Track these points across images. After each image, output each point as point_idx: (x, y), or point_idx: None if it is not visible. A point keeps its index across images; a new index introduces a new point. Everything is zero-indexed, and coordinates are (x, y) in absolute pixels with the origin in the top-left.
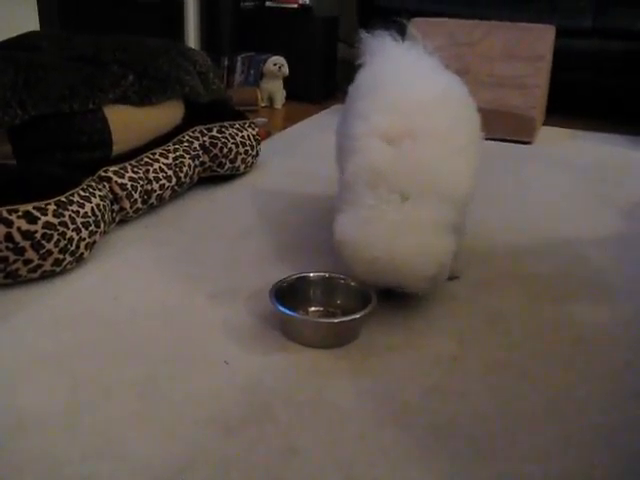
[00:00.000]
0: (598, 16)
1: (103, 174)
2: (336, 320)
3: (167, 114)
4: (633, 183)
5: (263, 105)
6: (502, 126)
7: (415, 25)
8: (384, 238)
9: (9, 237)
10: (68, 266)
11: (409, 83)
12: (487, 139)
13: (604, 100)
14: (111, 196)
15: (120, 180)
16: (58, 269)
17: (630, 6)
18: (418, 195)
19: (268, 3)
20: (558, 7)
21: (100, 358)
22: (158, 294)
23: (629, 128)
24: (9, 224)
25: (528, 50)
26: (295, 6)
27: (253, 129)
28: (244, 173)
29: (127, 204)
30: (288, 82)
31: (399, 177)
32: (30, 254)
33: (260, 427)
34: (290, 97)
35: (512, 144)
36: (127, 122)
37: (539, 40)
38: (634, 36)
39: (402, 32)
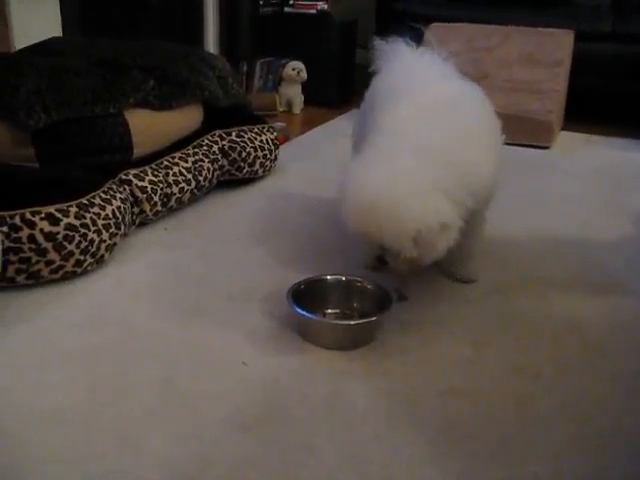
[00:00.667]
0: (617, 20)
1: (124, 177)
2: (352, 322)
3: (187, 118)
4: None
5: (281, 110)
6: (520, 131)
7: (433, 30)
8: (378, 183)
9: (32, 238)
10: (89, 267)
11: (425, 89)
12: (505, 144)
13: (623, 105)
14: (131, 199)
15: (140, 183)
16: (79, 270)
17: None
18: (430, 159)
19: (287, 9)
20: (577, 11)
21: (119, 358)
22: (177, 295)
23: None
24: (32, 226)
25: (546, 55)
26: (314, 12)
27: (272, 133)
28: (262, 177)
29: (147, 207)
30: (306, 87)
31: (419, 135)
32: (52, 255)
33: (276, 426)
34: (308, 102)
35: (530, 149)
36: (147, 126)
37: (558, 45)
38: None
39: (419, 37)
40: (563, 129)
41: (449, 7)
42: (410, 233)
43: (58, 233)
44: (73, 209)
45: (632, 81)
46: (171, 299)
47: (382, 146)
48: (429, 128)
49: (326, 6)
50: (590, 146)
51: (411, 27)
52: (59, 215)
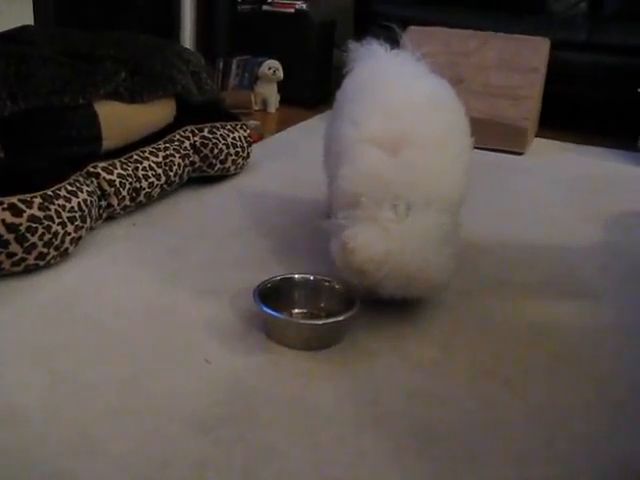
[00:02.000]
0: (593, 30)
1: (92, 170)
2: (319, 322)
3: (158, 112)
4: (621, 195)
5: (257, 109)
6: (494, 136)
7: (410, 33)
8: (401, 251)
9: None
10: (52, 261)
11: (395, 87)
12: (479, 148)
13: (596, 114)
14: (99, 192)
15: (108, 176)
16: (42, 263)
17: (624, 21)
18: (422, 204)
19: (265, 7)
20: (553, 20)
21: (81, 355)
22: (142, 292)
23: (619, 142)
24: None
25: (523, 62)
26: (292, 11)
27: (245, 130)
28: (234, 175)
29: (115, 201)
30: (282, 86)
31: (402, 186)
32: (14, 247)
33: (239, 427)
34: (284, 101)
35: (504, 154)
36: (118, 118)
37: (534, 52)
38: (628, 51)
39: (395, 39)
40: (537, 136)
41: (427, 11)
42: (443, 285)
43: (20, 225)
44: (37, 200)
45: (606, 90)
46: (136, 295)
47: (372, 206)
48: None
49: (305, 6)
50: (563, 153)
51: (386, 27)
52: (22, 206)
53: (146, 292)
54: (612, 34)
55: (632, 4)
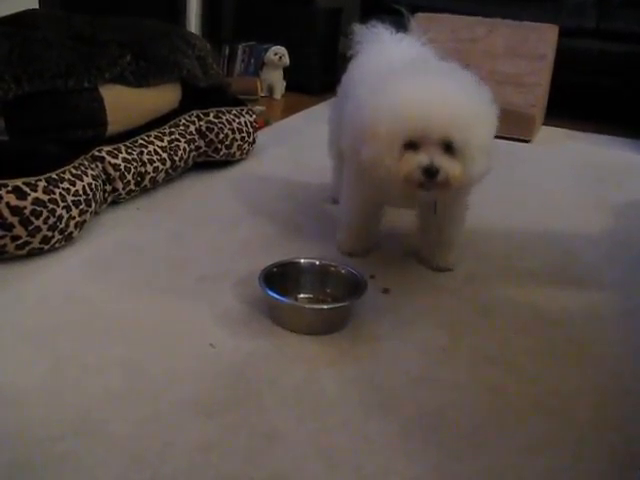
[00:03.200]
0: (602, 17)
1: (97, 153)
2: (325, 307)
3: (164, 96)
4: (628, 184)
5: (263, 95)
6: (501, 124)
7: (418, 19)
8: (444, 82)
9: None
10: (57, 244)
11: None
12: None
13: (605, 102)
14: (104, 176)
15: (113, 160)
16: (46, 247)
17: (633, 8)
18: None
19: None
20: (562, 7)
21: (84, 337)
22: (146, 276)
23: (627, 131)
24: None
25: (530, 49)
26: None
27: (251, 116)
28: (239, 160)
29: (120, 185)
30: (288, 73)
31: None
32: (18, 230)
33: (243, 411)
34: (290, 88)
35: (511, 142)
36: (123, 102)
37: (542, 39)
38: (636, 38)
39: (402, 24)
40: (545, 124)
41: None
42: (486, 128)
43: (25, 208)
44: (42, 183)
45: (614, 78)
46: (140, 279)
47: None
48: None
49: None
50: (571, 141)
51: (393, 10)
52: (26, 189)
53: (150, 276)
54: (621, 21)
55: None
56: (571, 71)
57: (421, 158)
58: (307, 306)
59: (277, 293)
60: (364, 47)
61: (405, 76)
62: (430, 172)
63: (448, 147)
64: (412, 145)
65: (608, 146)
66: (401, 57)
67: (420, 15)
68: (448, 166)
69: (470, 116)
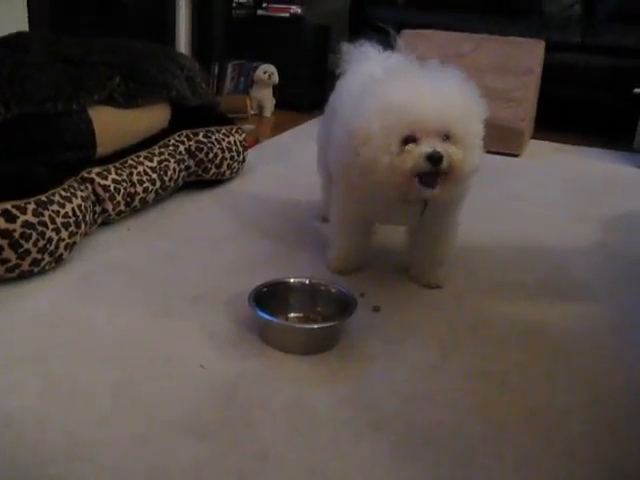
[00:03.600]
0: (587, 32)
1: (86, 175)
2: (315, 326)
3: (153, 117)
4: (616, 196)
5: (252, 113)
6: (491, 138)
7: (405, 36)
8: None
9: None
10: (47, 266)
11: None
12: None
13: (592, 115)
14: (93, 197)
15: (103, 182)
16: (36, 269)
17: (618, 23)
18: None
19: (260, 11)
20: (548, 22)
21: (75, 360)
22: (136, 297)
23: (614, 143)
24: None
25: (518, 63)
26: (287, 15)
27: (240, 135)
28: (230, 179)
29: (110, 206)
30: (278, 91)
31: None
32: (8, 253)
33: (234, 432)
34: (279, 106)
35: (500, 156)
36: (112, 124)
37: (529, 54)
38: (622, 52)
39: (389, 41)
40: (533, 137)
41: (422, 14)
42: (478, 117)
43: (14, 230)
44: (31, 206)
45: (601, 91)
46: (131, 300)
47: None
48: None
49: (300, 10)
50: (559, 154)
51: (380, 28)
52: (16, 212)
53: (140, 297)
54: (606, 36)
55: (625, 6)
56: (558, 85)
57: (423, 147)
58: (297, 326)
59: (267, 313)
60: (351, 66)
61: (393, 77)
62: (434, 158)
63: (446, 138)
64: (410, 140)
65: (596, 158)
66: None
67: (407, 32)
68: (451, 152)
69: (464, 106)
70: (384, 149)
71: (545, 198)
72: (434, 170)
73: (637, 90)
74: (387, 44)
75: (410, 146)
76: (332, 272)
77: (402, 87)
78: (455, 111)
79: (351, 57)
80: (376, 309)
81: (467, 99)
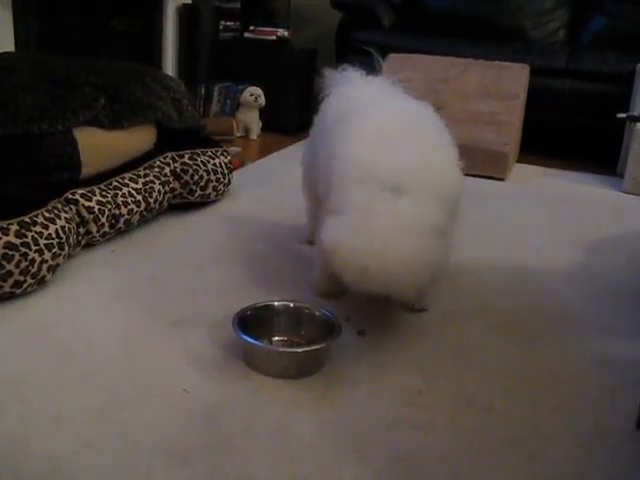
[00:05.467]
0: (571, 57)
1: (70, 196)
2: (299, 350)
3: (138, 139)
4: (600, 219)
5: (239, 135)
6: (475, 162)
7: (391, 60)
8: (377, 245)
9: None
10: (29, 288)
11: (373, 110)
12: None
13: (576, 139)
14: (77, 219)
15: (87, 203)
16: (18, 291)
17: (602, 48)
18: (412, 190)
19: (247, 34)
20: (532, 47)
21: (55, 385)
22: (120, 320)
23: (598, 167)
24: None
25: (503, 88)
26: (273, 38)
27: (225, 157)
28: (215, 201)
29: (94, 228)
30: (264, 113)
31: (391, 170)
32: None
33: (218, 457)
34: (266, 128)
35: (485, 180)
36: (97, 145)
37: (514, 78)
38: (605, 77)
39: (375, 67)
40: (518, 161)
41: (408, 38)
42: (422, 285)
43: None
44: (14, 227)
45: (585, 116)
46: (114, 323)
47: (356, 191)
48: (394, 151)
49: (286, 33)
50: (544, 178)
51: (365, 52)
52: None
53: (124, 320)
54: (590, 61)
55: (609, 32)
56: (543, 109)
57: None
58: (281, 350)
59: (251, 337)
60: (335, 90)
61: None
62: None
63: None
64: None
65: (581, 182)
66: (371, 99)
67: (393, 56)
68: None
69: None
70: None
71: (530, 222)
72: None
73: (620, 115)
74: (372, 68)
75: None
76: (317, 295)
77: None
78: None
79: (334, 81)
80: (361, 333)
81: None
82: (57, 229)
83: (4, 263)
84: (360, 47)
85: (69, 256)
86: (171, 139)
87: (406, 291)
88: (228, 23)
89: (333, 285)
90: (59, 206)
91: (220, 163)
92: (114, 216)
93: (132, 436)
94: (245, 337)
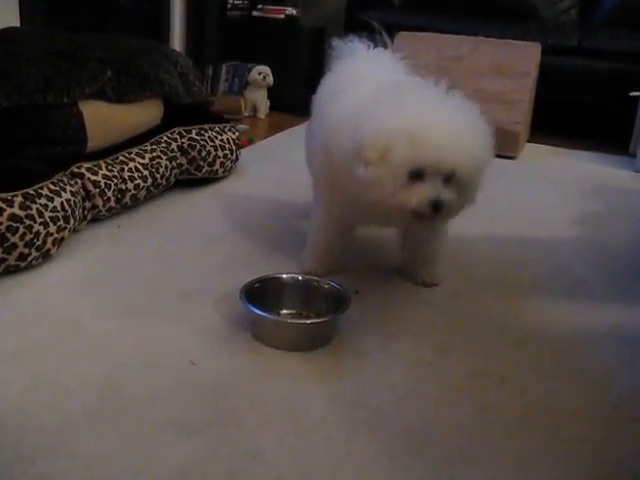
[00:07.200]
0: (583, 35)
1: (76, 170)
2: (308, 321)
3: (145, 113)
4: (612, 198)
5: (247, 114)
6: None
7: (402, 38)
8: (451, 124)
9: None
10: (34, 262)
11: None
12: None
13: (588, 118)
14: (83, 193)
15: (93, 177)
16: (23, 264)
17: (614, 27)
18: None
19: (255, 12)
20: (545, 25)
21: (61, 357)
22: (125, 294)
23: (611, 147)
24: None
25: (514, 66)
26: (282, 17)
27: (233, 133)
28: (222, 177)
29: (100, 202)
30: (272, 92)
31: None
32: None
33: (224, 429)
34: (274, 107)
35: (496, 159)
36: (103, 118)
37: (525, 57)
38: (617, 56)
39: (384, 43)
40: (529, 141)
41: (419, 16)
42: (488, 162)
43: (1, 224)
44: (18, 199)
45: (597, 95)
46: (120, 296)
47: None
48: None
49: (295, 12)
50: (555, 157)
51: (373, 29)
52: (2, 205)
53: (129, 294)
54: (602, 40)
55: (621, 11)
56: (554, 88)
57: (430, 191)
58: (289, 321)
59: (259, 309)
60: (339, 62)
61: (414, 101)
62: (437, 206)
63: (448, 178)
64: (417, 174)
65: (592, 161)
66: (374, 72)
67: (404, 34)
68: (450, 199)
69: (478, 153)
70: (392, 177)
71: (541, 200)
72: (432, 215)
73: (633, 93)
74: (382, 43)
75: (417, 185)
76: (304, 271)
77: (426, 117)
78: (470, 158)
79: (340, 53)
80: (356, 292)
81: (482, 142)
82: (62, 202)
83: (8, 235)
84: (369, 25)
85: (75, 230)
86: (178, 114)
87: (469, 172)
88: (236, 1)
89: (321, 264)
90: (64, 179)
91: (228, 139)
92: (120, 191)
93: (138, 408)
94: (253, 308)
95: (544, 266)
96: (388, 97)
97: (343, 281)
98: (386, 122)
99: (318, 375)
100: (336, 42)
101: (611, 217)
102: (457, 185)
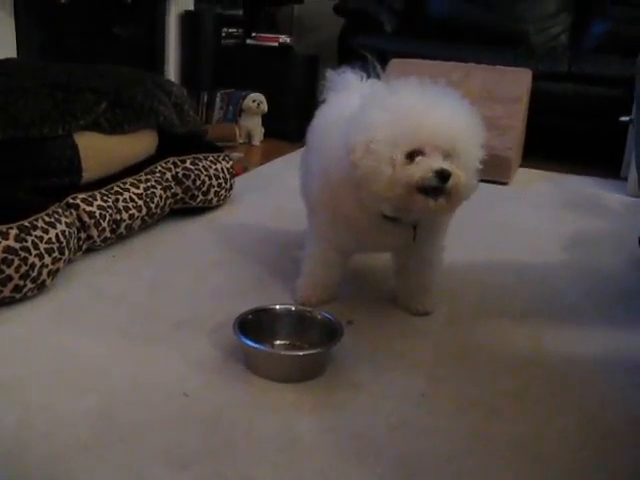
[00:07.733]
0: (574, 61)
1: (71, 201)
2: (301, 353)
3: (140, 143)
4: (603, 222)
5: (241, 142)
6: None
7: (393, 65)
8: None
9: None
10: (29, 293)
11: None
12: None
13: (579, 143)
14: (78, 224)
15: (88, 208)
16: (18, 296)
17: (604, 52)
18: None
19: (249, 41)
20: (535, 51)
21: (55, 388)
22: (120, 324)
23: (602, 171)
24: None
25: (505, 92)
26: (276, 44)
27: (227, 162)
28: (217, 206)
29: (95, 232)
30: (267, 120)
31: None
32: None
33: (218, 462)
34: (268, 135)
35: (488, 184)
36: (98, 149)
37: (516, 83)
38: (608, 81)
39: (376, 72)
40: (522, 166)
41: (410, 44)
42: (480, 140)
43: None
44: (13, 231)
45: (588, 120)
46: (114, 328)
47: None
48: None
49: (289, 40)
50: (547, 182)
51: (366, 57)
52: None
53: (124, 324)
54: (592, 65)
55: (610, 36)
56: (546, 113)
57: (432, 162)
58: (283, 353)
59: (252, 340)
60: (333, 94)
61: (399, 91)
62: (443, 175)
63: (447, 156)
64: (416, 153)
65: (584, 186)
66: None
67: (395, 61)
68: (456, 171)
69: (470, 127)
70: (387, 160)
71: (534, 225)
72: (439, 187)
73: (623, 118)
74: (374, 73)
75: (419, 159)
76: (298, 302)
77: (412, 99)
78: (463, 130)
79: (333, 85)
80: (349, 322)
81: (472, 120)
82: (57, 233)
83: (4, 267)
84: (361, 53)
85: (70, 261)
86: (173, 144)
87: (468, 150)
88: (230, 30)
89: (315, 294)
90: (60, 210)
91: (222, 168)
92: (115, 221)
93: (132, 439)
94: (246, 340)
95: (536, 291)
96: (372, 100)
97: (337, 311)
98: (367, 117)
99: (311, 406)
100: (329, 73)
101: (603, 241)
102: (460, 163)
